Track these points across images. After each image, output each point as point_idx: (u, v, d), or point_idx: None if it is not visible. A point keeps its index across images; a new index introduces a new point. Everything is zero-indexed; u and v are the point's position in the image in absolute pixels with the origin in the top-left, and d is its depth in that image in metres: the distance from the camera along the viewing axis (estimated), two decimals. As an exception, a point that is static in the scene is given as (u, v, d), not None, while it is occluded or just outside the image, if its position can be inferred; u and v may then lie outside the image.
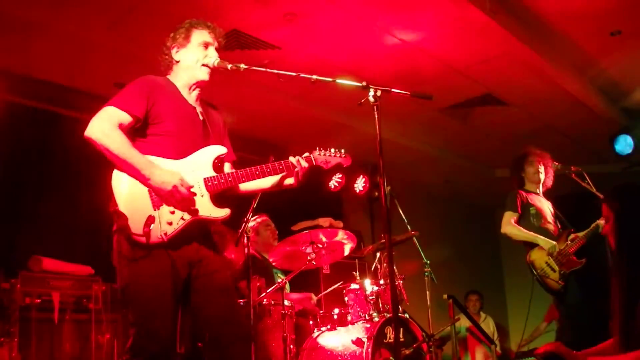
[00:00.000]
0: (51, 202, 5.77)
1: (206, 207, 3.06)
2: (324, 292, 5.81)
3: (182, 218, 2.98)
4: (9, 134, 5.62)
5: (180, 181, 2.94)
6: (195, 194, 3.02)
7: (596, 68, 6.67)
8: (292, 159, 3.23)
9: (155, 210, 2.93)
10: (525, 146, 5.77)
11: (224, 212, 3.10)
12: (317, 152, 3.30)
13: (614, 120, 7.71)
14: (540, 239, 5.30)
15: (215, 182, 3.09)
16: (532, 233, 5.36)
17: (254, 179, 3.18)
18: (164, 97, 3.11)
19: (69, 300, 5.06)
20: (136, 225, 2.88)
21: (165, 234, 2.92)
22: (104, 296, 5.24)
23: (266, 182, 3.34)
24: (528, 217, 5.48)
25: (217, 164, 3.18)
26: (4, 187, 5.49)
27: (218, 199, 3.14)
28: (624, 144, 7.62)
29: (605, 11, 5.46)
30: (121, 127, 2.97)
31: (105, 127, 2.94)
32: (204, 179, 3.07)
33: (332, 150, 3.33)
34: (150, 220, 2.88)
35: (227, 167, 3.33)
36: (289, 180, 3.30)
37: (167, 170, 2.97)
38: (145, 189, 2.95)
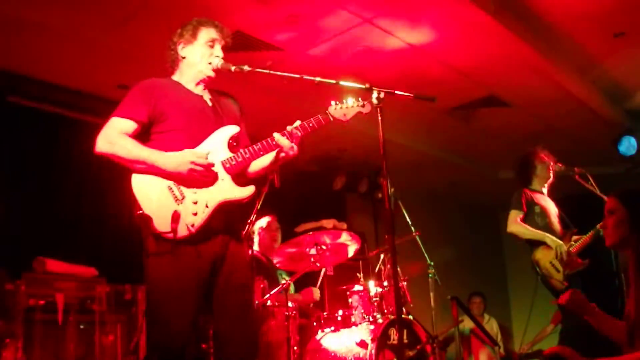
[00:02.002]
0: (55, 203, 5.79)
1: (229, 190, 3.05)
2: (320, 280, 5.76)
3: (206, 206, 2.97)
4: (12, 135, 5.64)
5: (193, 155, 2.95)
6: (213, 165, 3.02)
7: (600, 69, 6.66)
8: (285, 131, 3.14)
9: (178, 204, 2.93)
10: (533, 145, 5.74)
11: (248, 191, 3.08)
12: (332, 107, 3.16)
13: (617, 121, 7.70)
14: (548, 238, 5.28)
15: (233, 162, 3.08)
16: (539, 231, 5.34)
17: (271, 150, 3.13)
18: (166, 94, 3.12)
19: (73, 301, 5.07)
20: (163, 224, 2.88)
21: (193, 225, 2.92)
22: (107, 297, 5.25)
23: (266, 159, 3.26)
24: (533, 216, 5.46)
25: (232, 144, 3.16)
26: (7, 188, 5.50)
27: (240, 179, 3.14)
28: (628, 145, 7.62)
29: (609, 12, 5.45)
30: (128, 134, 3.01)
31: (110, 136, 2.98)
32: (222, 161, 3.07)
33: (350, 100, 3.17)
34: (176, 215, 2.88)
35: None
36: (282, 154, 3.19)
37: (176, 153, 2.97)
38: (164, 186, 2.96)
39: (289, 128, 3.14)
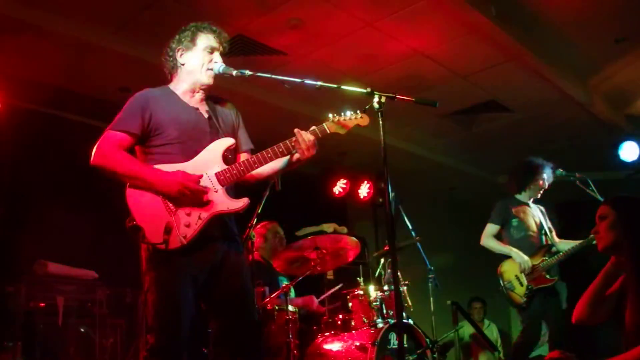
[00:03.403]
0: (56, 206, 5.79)
1: (222, 201, 3.04)
2: (326, 295, 5.79)
3: (199, 217, 2.98)
4: (14, 138, 5.64)
5: (184, 177, 2.95)
6: (207, 188, 3.02)
7: (600, 75, 6.67)
8: (295, 134, 3.12)
9: (171, 216, 2.94)
10: (542, 157, 5.78)
11: (241, 203, 3.08)
12: (330, 120, 3.16)
13: (618, 126, 7.70)
14: (514, 253, 5.48)
15: (228, 175, 3.07)
16: (507, 247, 5.55)
17: (266, 162, 3.12)
18: (161, 107, 3.12)
19: (73, 304, 5.07)
20: (155, 235, 2.89)
21: (185, 237, 2.92)
22: (108, 300, 5.25)
23: (278, 163, 3.25)
24: (509, 228, 5.65)
25: (227, 156, 3.16)
26: (9, 191, 5.50)
27: (234, 191, 3.15)
28: (628, 151, 7.62)
29: (609, 18, 5.46)
30: (122, 147, 3.02)
31: (105, 150, 2.99)
32: (216, 173, 3.07)
33: (348, 112, 3.16)
34: (168, 226, 2.88)
35: (244, 157, 3.26)
36: (297, 156, 3.18)
37: (169, 172, 2.98)
38: (158, 198, 2.96)
39: (297, 134, 3.12)
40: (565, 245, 5.50)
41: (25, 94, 5.81)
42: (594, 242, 5.19)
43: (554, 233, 5.75)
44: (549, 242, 5.59)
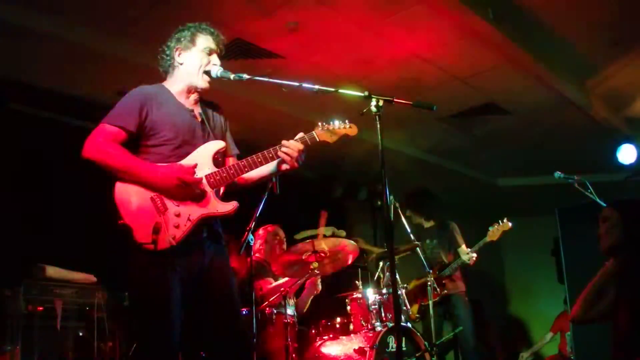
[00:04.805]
0: (55, 209, 5.78)
1: (212, 204, 3.06)
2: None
3: (188, 219, 2.98)
4: (12, 141, 5.64)
5: (180, 170, 2.96)
6: (201, 180, 3.03)
7: (598, 77, 6.67)
8: (284, 145, 3.12)
9: (160, 216, 2.93)
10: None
11: (230, 206, 3.09)
12: (319, 128, 3.17)
13: (616, 129, 7.70)
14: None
15: (218, 177, 3.08)
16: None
17: (256, 167, 3.13)
18: (157, 107, 3.12)
19: (72, 308, 5.06)
20: (144, 234, 2.89)
21: (174, 237, 2.92)
22: (107, 304, 5.24)
23: (266, 169, 3.24)
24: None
25: (218, 159, 3.18)
26: (7, 194, 5.50)
27: (224, 194, 3.15)
28: (627, 153, 7.62)
29: (608, 20, 5.46)
30: (116, 142, 3.02)
31: (99, 143, 2.98)
32: (205, 176, 3.08)
33: (336, 122, 3.18)
34: (157, 226, 2.88)
35: (230, 162, 3.29)
36: (285, 165, 3.18)
37: (164, 166, 2.99)
38: (147, 197, 2.96)
39: (284, 146, 3.13)
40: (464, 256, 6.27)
41: (24, 98, 5.81)
42: (466, 262, 6.18)
43: (462, 247, 6.51)
44: (443, 260, 6.37)
